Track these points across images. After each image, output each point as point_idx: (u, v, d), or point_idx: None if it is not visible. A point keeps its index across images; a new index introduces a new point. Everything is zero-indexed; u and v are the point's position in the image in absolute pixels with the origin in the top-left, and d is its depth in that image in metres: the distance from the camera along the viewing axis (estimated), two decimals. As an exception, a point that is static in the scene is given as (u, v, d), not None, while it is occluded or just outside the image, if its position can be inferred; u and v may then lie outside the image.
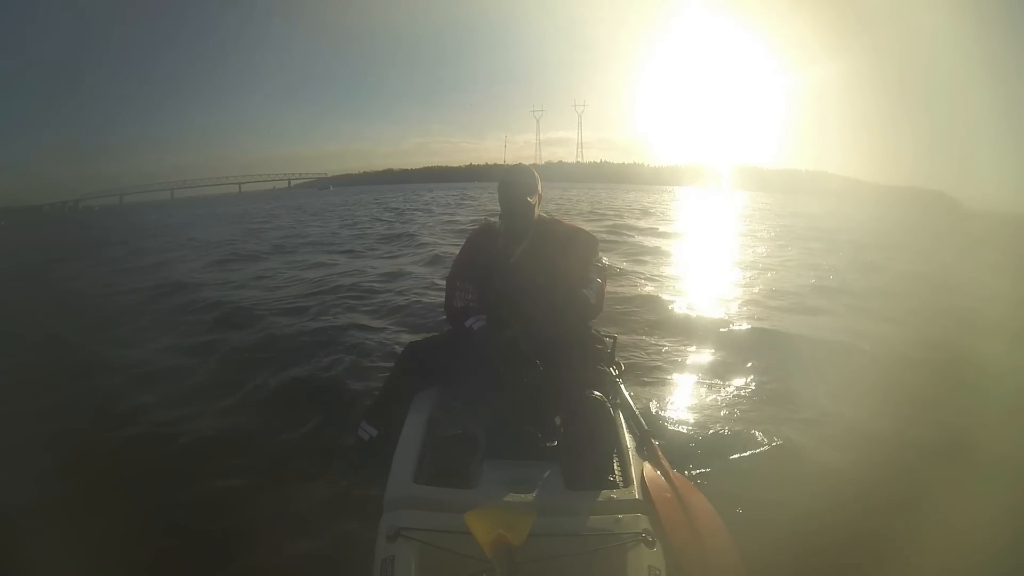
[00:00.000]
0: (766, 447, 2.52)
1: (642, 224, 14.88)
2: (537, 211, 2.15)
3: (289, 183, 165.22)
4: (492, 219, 2.31)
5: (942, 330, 4.96)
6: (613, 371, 2.18)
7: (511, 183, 2.08)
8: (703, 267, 8.59)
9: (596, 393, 1.77)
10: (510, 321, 2.02)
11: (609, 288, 2.25)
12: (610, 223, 14.54)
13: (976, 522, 1.96)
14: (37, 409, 3.00)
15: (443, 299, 2.22)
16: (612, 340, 2.24)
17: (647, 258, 8.91)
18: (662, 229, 13.81)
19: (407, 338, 4.06)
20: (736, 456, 2.45)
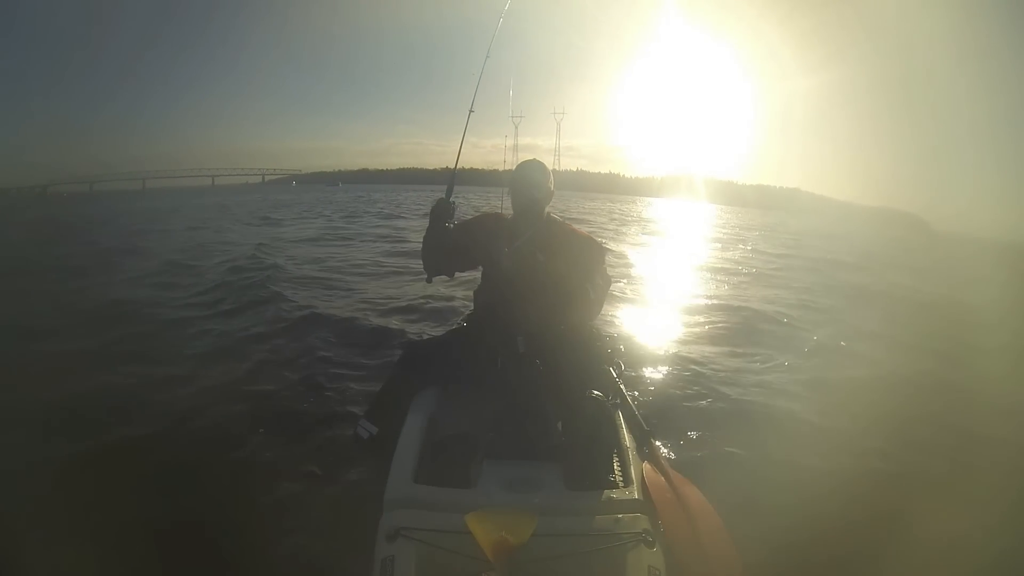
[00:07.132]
0: (766, 447, 2.54)
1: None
2: (546, 209, 2.18)
3: (263, 178, 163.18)
4: (506, 211, 2.33)
5: (937, 338, 5.15)
6: (613, 371, 2.18)
7: (522, 175, 2.14)
8: (702, 269, 8.82)
9: (596, 393, 1.76)
10: (508, 320, 2.01)
11: (612, 288, 2.25)
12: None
13: (975, 523, 2.02)
14: (36, 405, 2.88)
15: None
16: (612, 340, 2.25)
17: (646, 261, 9.23)
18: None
19: (410, 335, 4.04)
20: (736, 456, 2.46)
